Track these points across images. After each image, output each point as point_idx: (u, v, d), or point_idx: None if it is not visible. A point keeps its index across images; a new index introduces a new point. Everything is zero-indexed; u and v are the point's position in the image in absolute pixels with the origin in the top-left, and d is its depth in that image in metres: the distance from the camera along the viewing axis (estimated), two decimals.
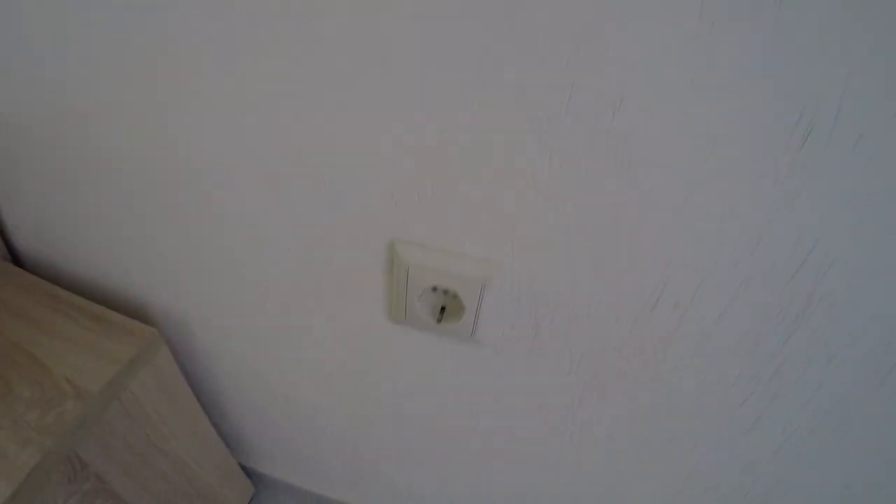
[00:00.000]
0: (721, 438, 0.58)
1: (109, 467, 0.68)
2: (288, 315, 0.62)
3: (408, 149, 0.39)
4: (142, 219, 0.62)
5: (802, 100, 0.30)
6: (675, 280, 0.42)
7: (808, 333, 0.45)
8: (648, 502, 0.71)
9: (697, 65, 0.30)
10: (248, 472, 1.08)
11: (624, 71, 0.31)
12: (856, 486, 0.66)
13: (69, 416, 0.60)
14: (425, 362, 0.56)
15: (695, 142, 0.33)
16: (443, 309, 0.47)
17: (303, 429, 0.86)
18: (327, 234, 0.48)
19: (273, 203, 0.49)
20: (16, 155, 0.65)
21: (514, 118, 0.35)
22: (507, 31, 0.31)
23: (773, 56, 0.28)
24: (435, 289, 0.46)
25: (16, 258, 0.88)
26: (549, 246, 0.40)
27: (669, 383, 0.52)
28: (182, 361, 0.83)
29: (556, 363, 0.50)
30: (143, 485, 0.76)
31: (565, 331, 0.47)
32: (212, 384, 0.87)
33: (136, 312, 0.77)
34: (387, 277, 0.49)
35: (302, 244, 0.51)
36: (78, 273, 0.81)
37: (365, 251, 0.47)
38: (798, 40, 0.27)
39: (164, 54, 0.42)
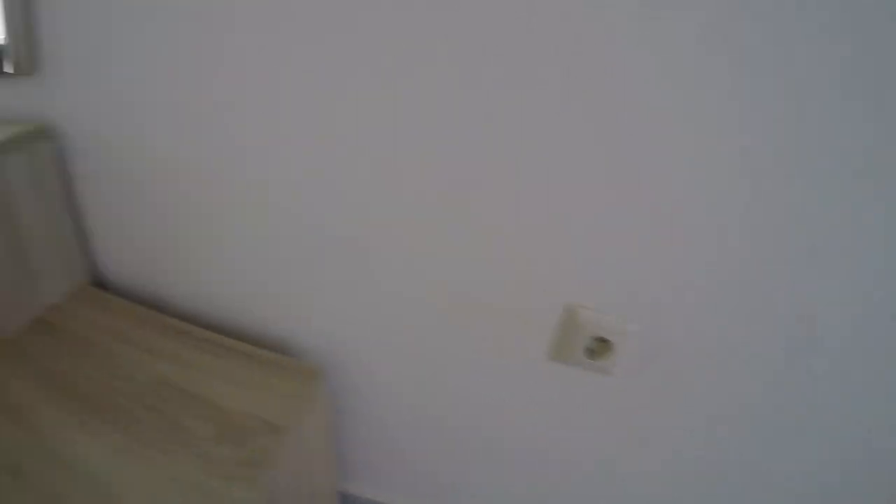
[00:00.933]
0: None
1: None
2: (436, 354, 0.73)
3: (599, 229, 0.52)
4: (284, 256, 0.73)
5: None
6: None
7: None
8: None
9: None
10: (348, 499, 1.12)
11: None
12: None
13: (269, 449, 0.66)
14: (569, 390, 0.72)
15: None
16: (591, 350, 0.65)
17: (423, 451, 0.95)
18: (497, 298, 0.65)
19: (441, 267, 0.63)
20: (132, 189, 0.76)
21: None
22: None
23: None
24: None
25: (126, 295, 0.91)
26: (680, 311, 0.60)
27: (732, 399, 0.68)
28: None
29: (662, 391, 0.67)
30: None
31: (677, 369, 0.65)
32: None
33: (274, 346, 0.83)
34: (552, 326, 0.66)
35: (471, 302, 0.67)
36: (199, 307, 0.86)
37: (537, 310, 0.65)
38: None
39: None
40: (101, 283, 0.93)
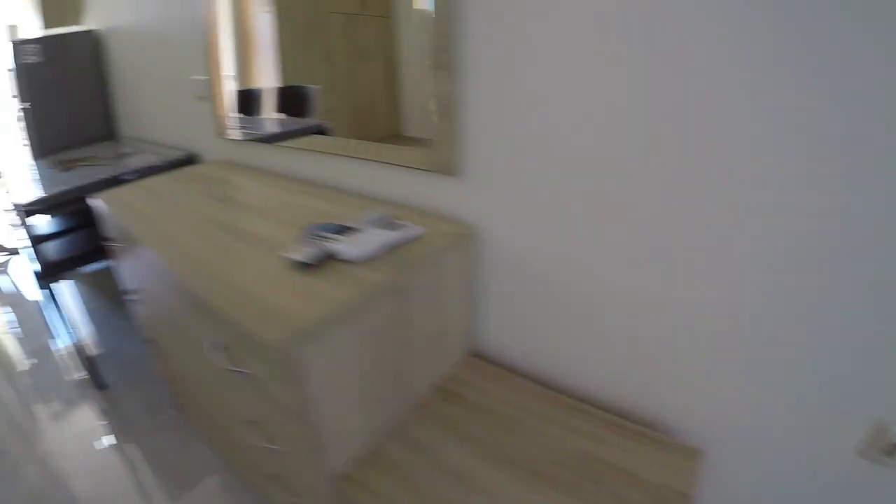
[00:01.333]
0: None
1: None
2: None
3: None
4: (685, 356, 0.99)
5: None
6: None
7: None
8: None
9: None
10: None
11: None
12: None
13: None
14: (867, 480, 1.02)
15: None
16: (887, 451, 0.94)
17: None
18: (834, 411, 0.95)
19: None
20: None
21: None
22: None
23: None
24: None
25: (502, 366, 1.07)
26: None
27: None
28: None
29: None
30: None
31: None
32: None
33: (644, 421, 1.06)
34: (862, 432, 0.95)
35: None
36: (583, 387, 1.06)
37: (854, 421, 0.94)
38: None
39: None
40: (478, 354, 1.08)
